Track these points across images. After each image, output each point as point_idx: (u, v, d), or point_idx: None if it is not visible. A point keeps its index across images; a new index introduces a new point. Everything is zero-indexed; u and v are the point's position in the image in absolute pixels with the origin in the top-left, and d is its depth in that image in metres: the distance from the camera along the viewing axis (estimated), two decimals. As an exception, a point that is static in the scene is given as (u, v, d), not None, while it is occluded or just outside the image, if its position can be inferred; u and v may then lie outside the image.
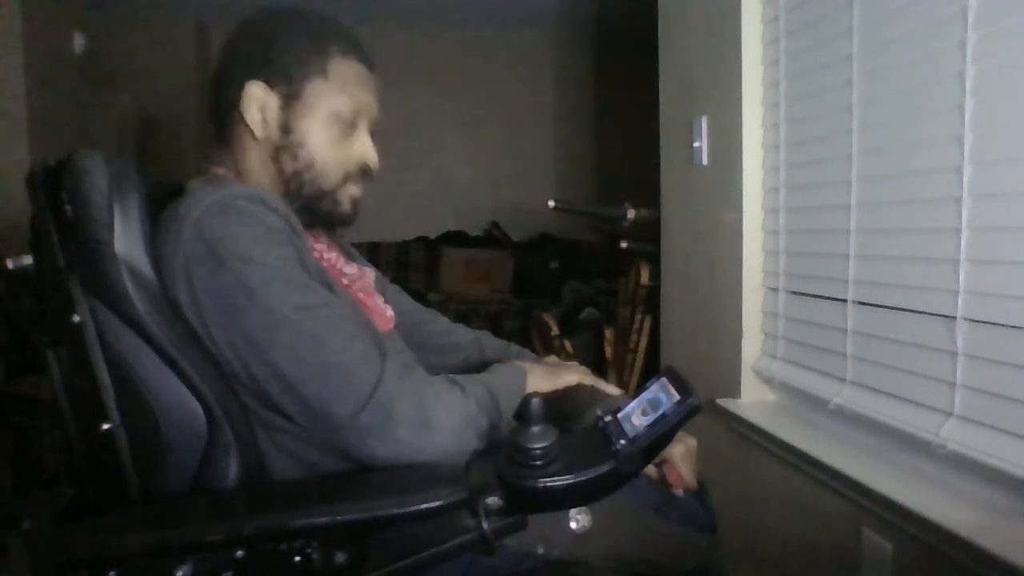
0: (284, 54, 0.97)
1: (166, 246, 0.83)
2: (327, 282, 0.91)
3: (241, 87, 0.96)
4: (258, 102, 0.97)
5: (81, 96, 3.67)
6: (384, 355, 0.84)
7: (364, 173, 1.04)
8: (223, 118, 1.00)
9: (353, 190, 1.03)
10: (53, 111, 3.26)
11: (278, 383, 0.83)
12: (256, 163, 0.99)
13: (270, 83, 0.97)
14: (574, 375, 1.08)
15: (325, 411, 0.81)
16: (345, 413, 0.80)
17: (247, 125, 0.97)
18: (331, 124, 0.99)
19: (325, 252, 1.04)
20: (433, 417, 0.82)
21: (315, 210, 1.01)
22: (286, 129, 0.97)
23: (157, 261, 0.84)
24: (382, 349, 0.86)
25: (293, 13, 1.01)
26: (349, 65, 1.00)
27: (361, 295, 1.04)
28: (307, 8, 1.02)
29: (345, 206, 1.02)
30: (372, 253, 4.52)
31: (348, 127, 1.00)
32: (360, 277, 1.08)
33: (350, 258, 1.12)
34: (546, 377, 1.04)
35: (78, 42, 3.61)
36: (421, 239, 4.84)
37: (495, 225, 4.93)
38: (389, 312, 1.08)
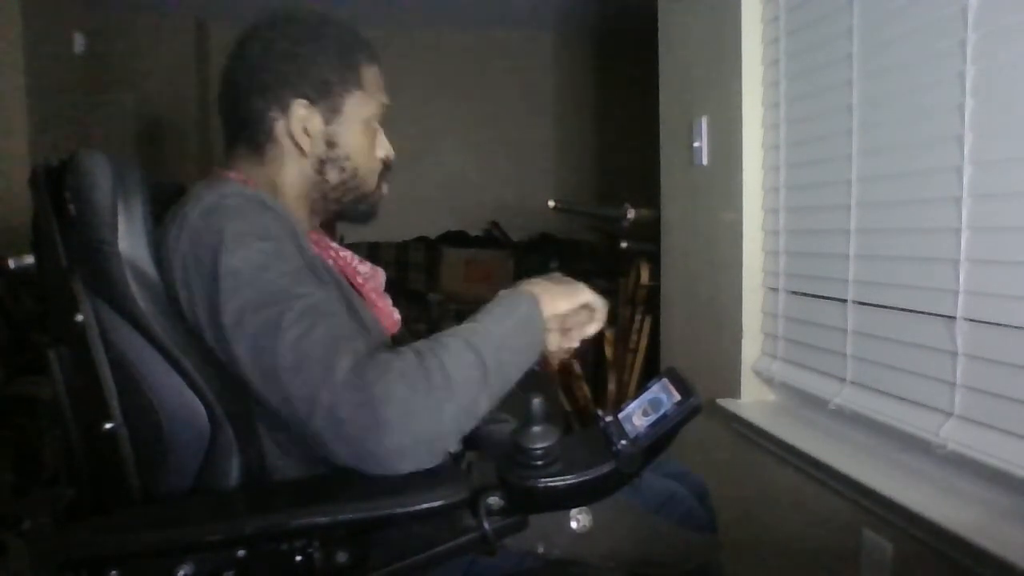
0: (325, 70, 0.98)
1: (168, 248, 0.84)
2: (325, 278, 0.89)
3: (282, 107, 0.97)
4: (302, 121, 0.98)
5: (81, 96, 3.67)
6: (343, 350, 0.77)
7: (386, 168, 1.07)
8: (254, 135, 0.99)
9: (384, 188, 1.07)
10: (53, 111, 3.26)
11: (251, 382, 0.81)
12: (294, 175, 1.00)
13: (311, 100, 0.98)
14: (587, 292, 0.96)
15: (284, 412, 0.78)
16: (301, 414, 0.76)
17: (292, 142, 0.98)
18: (366, 131, 1.03)
19: (341, 251, 1.06)
20: (383, 417, 0.73)
21: (351, 212, 1.06)
22: (331, 143, 1.00)
23: (160, 261, 0.85)
24: (354, 341, 0.79)
25: (317, 23, 1.01)
26: (372, 70, 1.03)
27: (373, 295, 1.05)
28: (321, 13, 1.03)
29: (374, 204, 1.07)
30: (372, 253, 4.51)
31: (375, 130, 1.04)
32: (373, 276, 1.09)
33: (364, 258, 1.12)
34: (564, 296, 0.93)
35: (78, 42, 3.61)
36: (421, 239, 4.84)
37: (495, 225, 4.92)
38: (396, 315, 1.09)
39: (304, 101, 0.97)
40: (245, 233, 0.83)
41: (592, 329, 0.99)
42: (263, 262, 0.82)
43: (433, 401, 0.76)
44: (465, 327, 0.84)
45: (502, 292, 0.92)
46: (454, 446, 0.82)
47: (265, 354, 0.78)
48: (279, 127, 0.98)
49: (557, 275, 0.97)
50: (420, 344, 0.80)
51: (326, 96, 0.98)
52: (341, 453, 0.76)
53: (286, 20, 1.00)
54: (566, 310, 0.93)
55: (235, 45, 1.01)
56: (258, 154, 1.00)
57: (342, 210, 1.05)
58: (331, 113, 0.99)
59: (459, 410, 0.78)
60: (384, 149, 1.06)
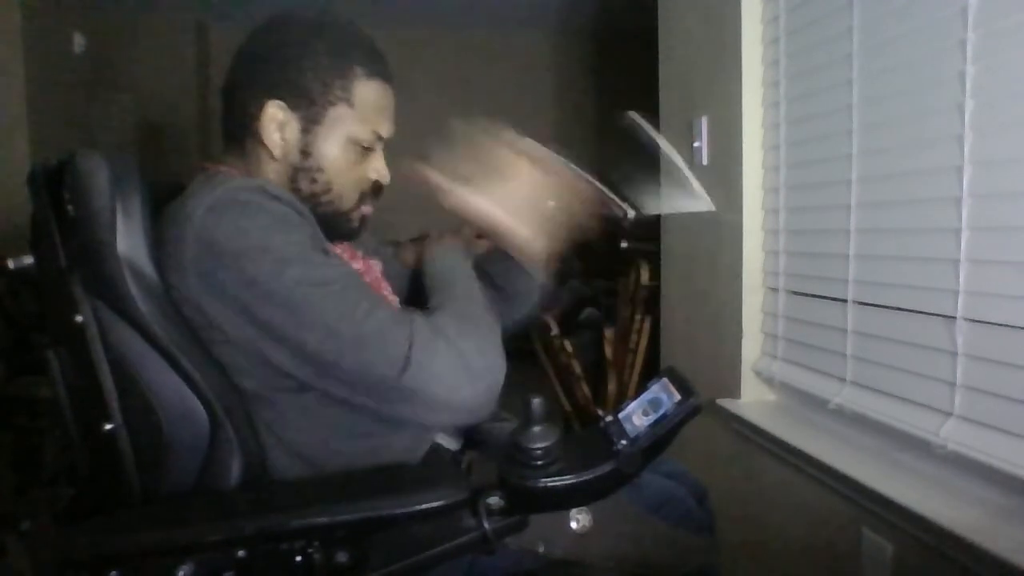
0: (308, 76, 0.94)
1: (173, 247, 0.83)
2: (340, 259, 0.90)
3: (260, 106, 0.94)
4: (277, 123, 0.94)
5: (81, 96, 3.67)
6: (410, 314, 0.85)
7: (376, 190, 1.04)
8: (237, 129, 0.98)
9: (365, 209, 1.03)
10: (53, 111, 3.26)
11: (313, 364, 0.82)
12: (270, 176, 0.97)
13: (290, 104, 0.94)
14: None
15: (368, 379, 0.81)
16: (389, 376, 0.80)
17: (264, 143, 0.96)
18: (350, 149, 0.98)
19: (335, 247, 1.03)
20: (471, 364, 0.82)
21: (325, 227, 1.00)
22: (305, 152, 0.96)
23: (161, 261, 0.84)
24: (407, 310, 0.87)
25: (318, 25, 0.97)
26: (372, 87, 0.98)
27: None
28: (332, 18, 0.99)
29: (355, 224, 1.03)
30: (372, 253, 4.52)
31: (365, 151, 1.00)
32: (367, 271, 1.08)
33: (355, 252, 1.11)
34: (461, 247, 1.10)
35: (78, 42, 3.61)
36: (421, 239, 4.83)
37: (495, 225, 4.92)
38: (397, 303, 1.08)
39: (281, 103, 0.94)
40: (267, 224, 0.83)
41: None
42: (296, 249, 0.83)
43: (490, 347, 0.85)
44: (462, 290, 0.95)
45: (441, 252, 1.05)
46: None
47: (343, 326, 0.81)
48: (256, 125, 0.95)
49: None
50: (448, 307, 0.89)
51: (307, 104, 0.95)
52: (432, 402, 0.81)
53: (285, 20, 0.97)
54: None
55: (244, 39, 0.99)
56: (240, 149, 0.98)
57: (317, 222, 0.99)
58: (310, 123, 0.95)
59: (500, 353, 0.87)
60: (376, 173, 1.02)
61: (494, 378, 0.84)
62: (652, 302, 2.37)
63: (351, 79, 0.96)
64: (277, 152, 0.96)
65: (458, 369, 0.81)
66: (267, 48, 0.96)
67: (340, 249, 1.05)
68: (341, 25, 0.99)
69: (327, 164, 0.97)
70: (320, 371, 0.83)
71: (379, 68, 0.99)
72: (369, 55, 0.98)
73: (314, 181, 0.97)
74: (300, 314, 0.81)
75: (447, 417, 0.85)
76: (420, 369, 0.80)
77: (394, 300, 1.08)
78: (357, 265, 1.06)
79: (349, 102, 0.96)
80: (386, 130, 1.01)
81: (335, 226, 1.01)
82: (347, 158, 0.98)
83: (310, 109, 0.95)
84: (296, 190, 0.97)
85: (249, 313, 0.82)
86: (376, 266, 1.12)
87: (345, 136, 0.97)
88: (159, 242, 0.85)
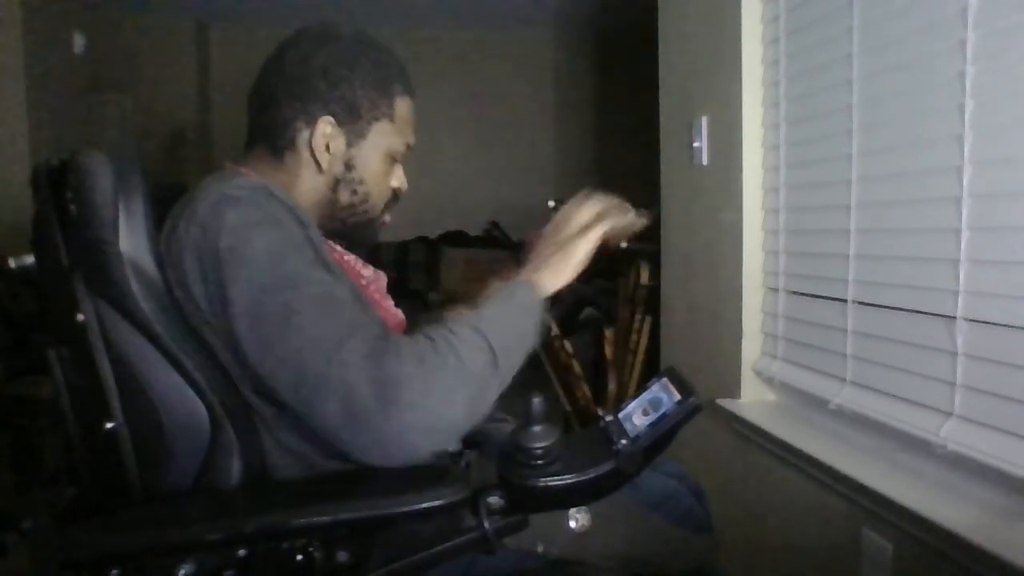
0: (359, 94, 1.00)
1: (177, 243, 0.84)
2: (337, 270, 0.89)
3: (309, 121, 0.98)
4: (326, 138, 0.99)
5: (81, 96, 3.68)
6: (357, 334, 0.79)
7: (394, 198, 1.09)
8: (274, 140, 1.00)
9: (387, 217, 1.09)
10: (53, 111, 3.26)
11: (257, 369, 0.82)
12: (307, 186, 1.01)
13: (338, 120, 0.99)
14: (580, 251, 0.98)
15: (309, 418, 0.80)
16: (329, 425, 0.78)
17: (311, 156, 0.99)
18: (386, 161, 1.04)
19: (344, 254, 1.05)
20: (399, 397, 0.75)
21: (351, 234, 1.06)
22: (349, 165, 1.01)
23: (164, 260, 0.84)
24: (367, 327, 0.81)
25: (358, 43, 1.02)
26: (407, 102, 1.05)
27: (377, 296, 1.05)
28: (368, 36, 1.04)
29: (377, 230, 1.08)
30: (372, 253, 4.51)
31: (394, 162, 1.06)
32: (376, 279, 1.09)
33: (367, 262, 1.12)
34: (561, 268, 0.96)
35: (78, 42, 3.62)
36: (421, 239, 4.85)
37: (495, 225, 4.93)
38: (401, 316, 1.09)
39: (331, 119, 0.99)
40: (255, 221, 0.83)
41: (624, 223, 1.08)
42: (274, 249, 0.83)
43: (448, 383, 0.78)
44: (469, 315, 0.87)
45: (497, 283, 0.96)
46: (464, 431, 0.83)
47: (278, 337, 0.79)
48: (302, 138, 0.99)
49: (552, 226, 1.02)
50: (429, 330, 0.83)
51: (354, 120, 1.00)
52: (353, 437, 0.77)
53: (330, 37, 1.02)
54: (568, 279, 0.96)
55: (276, 49, 1.02)
56: (277, 159, 1.01)
57: (345, 231, 1.05)
58: (355, 137, 1.01)
59: (472, 394, 0.80)
60: (399, 181, 1.07)
61: (452, 430, 0.81)
62: (652, 302, 2.37)
63: (393, 96, 1.03)
64: (324, 166, 1.00)
65: (409, 430, 0.76)
66: (316, 65, 0.99)
67: (352, 258, 1.07)
68: (377, 44, 1.05)
69: (368, 176, 1.03)
70: (264, 382, 0.82)
71: (409, 84, 1.06)
72: (403, 72, 1.06)
73: (354, 192, 1.03)
74: (250, 321, 0.80)
75: (370, 445, 0.78)
76: (363, 429, 0.76)
77: (396, 314, 1.08)
78: (368, 272, 1.08)
79: (391, 117, 1.03)
80: (413, 141, 1.07)
81: (363, 234, 1.07)
82: (383, 170, 1.04)
83: (356, 124, 1.01)
84: (334, 201, 1.02)
85: (225, 310, 0.82)
86: (383, 278, 1.12)
87: (385, 149, 1.03)
88: (165, 232, 0.85)
